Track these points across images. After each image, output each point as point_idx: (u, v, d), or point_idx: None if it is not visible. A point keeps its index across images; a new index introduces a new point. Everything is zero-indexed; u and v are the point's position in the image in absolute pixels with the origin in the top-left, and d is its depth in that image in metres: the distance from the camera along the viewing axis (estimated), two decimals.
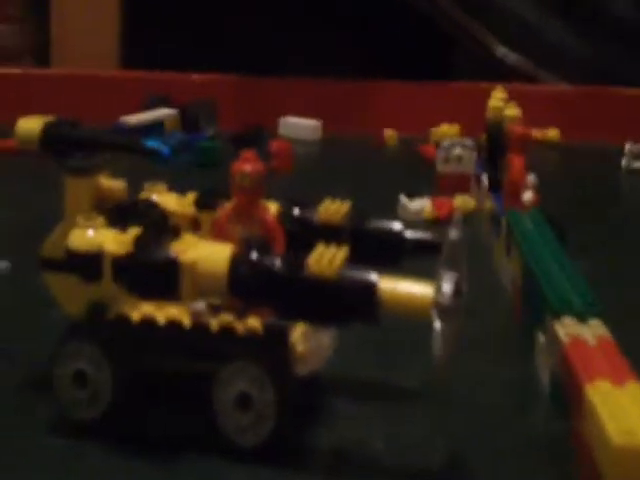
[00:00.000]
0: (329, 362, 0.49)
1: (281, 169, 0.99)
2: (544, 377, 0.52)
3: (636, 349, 0.47)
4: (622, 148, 1.11)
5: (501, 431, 0.48)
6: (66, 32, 1.40)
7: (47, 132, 0.53)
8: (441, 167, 0.93)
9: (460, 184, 0.90)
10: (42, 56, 1.42)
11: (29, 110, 0.59)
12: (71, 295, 0.47)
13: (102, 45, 1.40)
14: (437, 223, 0.82)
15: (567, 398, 0.47)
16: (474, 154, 0.92)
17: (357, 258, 0.45)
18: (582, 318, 0.50)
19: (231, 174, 0.48)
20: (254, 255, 0.45)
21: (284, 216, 0.51)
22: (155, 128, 1.05)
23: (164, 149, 0.81)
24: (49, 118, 0.55)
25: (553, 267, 0.58)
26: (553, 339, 0.50)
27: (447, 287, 0.41)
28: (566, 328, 0.49)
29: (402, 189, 0.87)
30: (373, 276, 0.43)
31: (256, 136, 1.09)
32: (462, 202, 0.86)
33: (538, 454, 0.46)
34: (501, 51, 1.37)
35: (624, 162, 1.10)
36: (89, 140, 0.53)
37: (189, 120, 1.12)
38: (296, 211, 0.52)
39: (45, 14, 1.41)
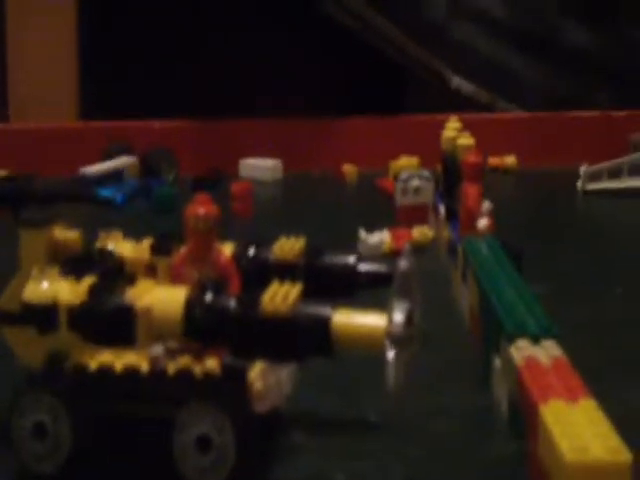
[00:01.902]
0: (288, 397, 0.49)
1: (242, 211, 1.00)
2: (502, 403, 0.53)
3: (590, 370, 0.48)
4: (577, 170, 1.12)
5: (460, 459, 0.48)
6: (24, 84, 1.40)
7: (0, 186, 0.54)
8: (399, 199, 0.94)
9: (418, 215, 0.91)
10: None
11: None
12: (29, 346, 0.47)
13: (61, 96, 1.41)
14: (397, 255, 0.83)
15: (523, 420, 0.47)
16: (432, 185, 0.93)
17: (312, 293, 0.46)
18: (536, 340, 0.51)
19: (184, 217, 0.48)
20: (208, 297, 0.45)
21: (239, 257, 0.52)
22: (114, 176, 1.06)
23: (117, 197, 0.83)
24: (2, 172, 0.55)
25: (509, 292, 0.58)
26: (508, 362, 0.51)
27: (399, 317, 0.42)
28: (521, 350, 0.50)
29: (362, 223, 0.88)
30: (327, 310, 0.44)
31: (215, 179, 1.10)
32: (420, 233, 0.87)
33: (497, 478, 0.46)
34: (456, 81, 1.39)
35: (579, 184, 1.12)
36: (43, 193, 0.54)
37: (148, 167, 1.13)
38: (251, 251, 0.53)
39: (2, 66, 1.41)
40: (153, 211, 0.98)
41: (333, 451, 0.48)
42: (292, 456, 0.48)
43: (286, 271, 0.51)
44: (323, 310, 0.44)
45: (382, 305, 0.43)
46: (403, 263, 0.45)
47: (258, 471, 0.46)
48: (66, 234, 0.52)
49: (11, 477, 0.46)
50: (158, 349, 0.45)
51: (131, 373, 0.45)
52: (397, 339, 0.42)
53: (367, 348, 0.43)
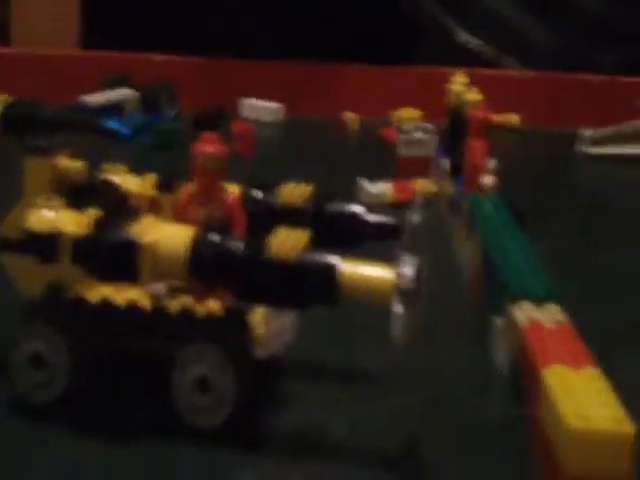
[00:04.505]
0: (290, 345, 0.49)
1: (242, 151, 0.99)
2: (501, 361, 0.52)
3: (592, 333, 0.48)
4: (579, 134, 1.12)
5: (458, 415, 0.48)
6: (26, 11, 1.38)
7: (7, 111, 0.53)
8: (402, 151, 0.93)
9: (421, 168, 0.90)
10: (1, 35, 1.41)
11: None
12: (29, 276, 0.46)
13: (62, 24, 1.39)
14: (398, 207, 0.82)
15: (524, 382, 0.47)
16: (435, 138, 0.92)
17: (318, 241, 0.45)
18: (540, 303, 0.51)
19: (193, 156, 0.47)
20: (215, 237, 0.45)
21: (246, 198, 0.51)
22: (115, 109, 1.05)
23: (124, 130, 0.81)
24: (9, 97, 0.54)
25: (513, 252, 0.58)
26: (511, 323, 0.50)
27: (408, 271, 0.42)
28: (525, 313, 0.50)
29: (363, 172, 0.87)
30: (334, 259, 0.43)
31: (218, 117, 1.08)
32: (422, 186, 0.86)
33: (494, 438, 0.46)
34: (463, 37, 1.37)
35: (582, 147, 1.11)
36: (49, 119, 0.53)
37: (149, 101, 1.12)
38: (258, 193, 0.52)
39: None
40: (155, 146, 0.97)
41: (331, 400, 0.48)
42: (290, 403, 0.48)
43: (292, 216, 0.50)
44: (331, 259, 0.43)
45: (386, 257, 0.43)
46: (415, 216, 0.44)
47: (256, 417, 0.45)
48: (71, 163, 0.51)
49: (7, 406, 0.46)
50: (160, 287, 0.45)
51: (132, 308, 0.44)
52: (406, 294, 0.41)
53: (374, 300, 0.42)
